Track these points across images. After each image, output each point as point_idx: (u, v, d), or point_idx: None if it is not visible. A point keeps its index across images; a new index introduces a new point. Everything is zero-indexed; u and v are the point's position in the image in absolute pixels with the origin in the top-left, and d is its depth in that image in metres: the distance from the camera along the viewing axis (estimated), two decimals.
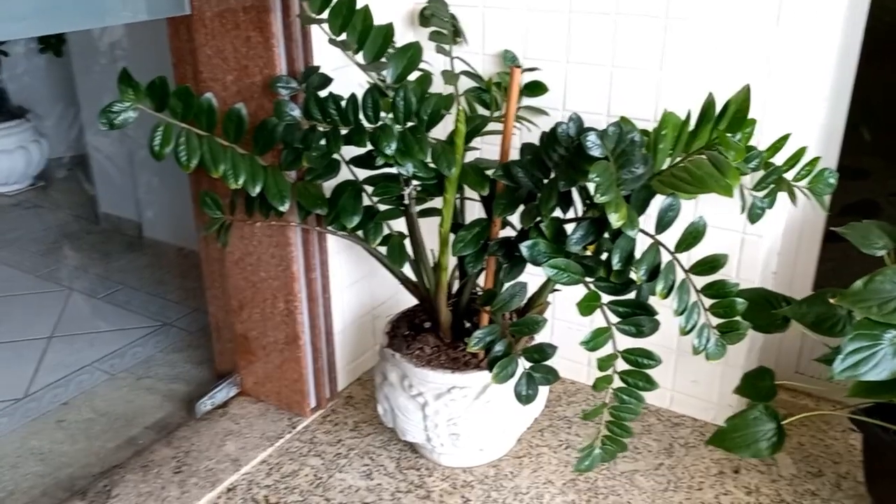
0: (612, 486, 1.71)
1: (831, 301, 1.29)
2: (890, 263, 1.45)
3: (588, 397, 2.02)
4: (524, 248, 1.36)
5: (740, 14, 1.58)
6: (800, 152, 1.46)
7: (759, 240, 1.72)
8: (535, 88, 1.85)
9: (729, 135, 1.11)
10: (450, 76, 1.79)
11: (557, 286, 1.65)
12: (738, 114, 1.10)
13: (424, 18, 1.90)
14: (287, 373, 1.93)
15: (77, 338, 2.36)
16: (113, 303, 2.57)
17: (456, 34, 1.89)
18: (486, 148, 1.85)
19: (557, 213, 1.40)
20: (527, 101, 1.86)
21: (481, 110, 1.80)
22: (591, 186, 1.16)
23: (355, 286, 2.02)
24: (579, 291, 1.36)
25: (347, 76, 1.64)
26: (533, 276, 1.51)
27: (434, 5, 1.89)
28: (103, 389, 2.09)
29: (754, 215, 1.39)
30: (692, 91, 1.68)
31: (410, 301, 2.26)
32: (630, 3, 1.69)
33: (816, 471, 1.75)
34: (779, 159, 1.46)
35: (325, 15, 1.48)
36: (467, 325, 1.68)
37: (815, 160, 1.45)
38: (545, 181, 1.37)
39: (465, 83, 1.85)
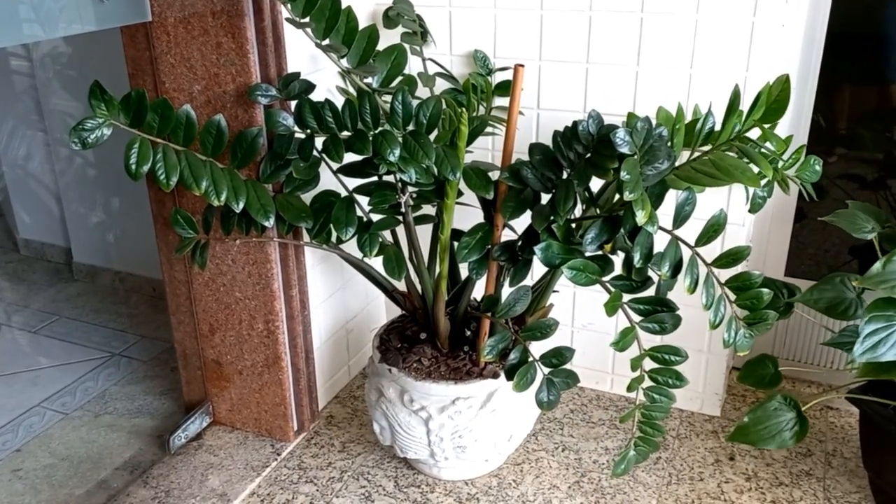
0: (616, 484, 1.70)
1: (854, 283, 1.31)
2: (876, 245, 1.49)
3: (574, 396, 2.01)
4: (538, 250, 1.33)
5: (717, 6, 1.60)
6: (787, 140, 1.49)
7: (741, 228, 1.75)
8: (509, 88, 1.81)
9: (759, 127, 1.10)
10: (427, 78, 1.74)
11: (556, 288, 1.63)
12: (774, 104, 1.10)
13: (389, 19, 1.83)
14: (267, 397, 1.82)
15: (17, 377, 2.17)
16: (51, 335, 2.37)
17: (423, 35, 1.84)
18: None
19: None
20: (499, 101, 1.83)
21: None
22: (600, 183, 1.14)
23: (330, 300, 1.94)
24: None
25: (317, 82, 1.56)
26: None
27: (400, 6, 1.83)
28: (59, 431, 1.92)
29: (755, 205, 1.40)
30: (670, 85, 1.69)
31: (380, 312, 2.21)
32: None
33: (805, 451, 1.80)
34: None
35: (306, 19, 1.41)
36: (468, 333, 1.63)
37: (802, 148, 1.48)
38: (557, 181, 1.34)
39: (440, 85, 1.80)
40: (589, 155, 1.28)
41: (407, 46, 1.63)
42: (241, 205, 1.45)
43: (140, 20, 1.53)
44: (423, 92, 1.72)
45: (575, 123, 1.28)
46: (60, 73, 2.46)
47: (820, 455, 1.78)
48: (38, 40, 2.29)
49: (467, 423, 1.56)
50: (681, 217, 1.28)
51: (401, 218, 1.53)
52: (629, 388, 1.28)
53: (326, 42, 1.43)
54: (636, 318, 1.32)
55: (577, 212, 1.42)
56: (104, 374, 2.17)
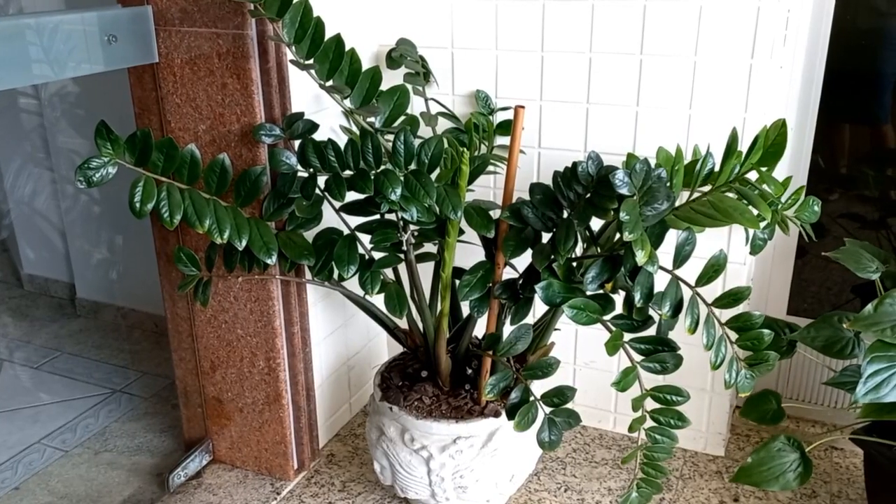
0: None
1: (845, 326, 1.31)
2: (879, 285, 1.49)
3: (576, 435, 1.99)
4: (539, 289, 1.33)
5: (716, 48, 1.62)
6: (786, 181, 1.50)
7: (742, 268, 1.75)
8: (510, 127, 1.83)
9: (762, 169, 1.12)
10: (430, 118, 1.76)
11: (558, 326, 1.63)
12: (772, 148, 1.11)
13: (392, 60, 1.86)
14: (267, 435, 1.82)
15: (17, 413, 2.16)
16: (52, 372, 2.37)
17: (426, 75, 1.87)
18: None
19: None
20: (501, 140, 1.85)
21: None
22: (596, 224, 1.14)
23: (331, 337, 1.94)
24: None
25: (321, 121, 1.58)
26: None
27: (403, 47, 1.86)
28: (58, 468, 1.91)
29: (756, 246, 1.40)
30: (669, 125, 1.71)
31: (381, 349, 2.20)
32: (604, 42, 1.71)
33: (810, 492, 1.78)
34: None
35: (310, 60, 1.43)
36: (469, 371, 1.62)
37: (801, 189, 1.49)
38: (558, 221, 1.35)
39: (442, 125, 1.82)
40: (589, 195, 1.29)
41: (409, 87, 1.66)
42: (244, 242, 1.46)
43: (147, 61, 1.56)
44: (425, 131, 1.74)
45: (575, 164, 1.30)
46: (68, 112, 2.49)
47: (825, 496, 1.76)
48: (48, 81, 2.33)
49: (468, 463, 1.55)
50: (681, 257, 1.29)
51: (402, 256, 1.53)
52: (631, 429, 1.27)
53: (330, 83, 1.46)
54: (637, 357, 1.31)
55: (578, 251, 1.42)
56: (105, 410, 2.16)
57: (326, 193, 1.46)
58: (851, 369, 1.42)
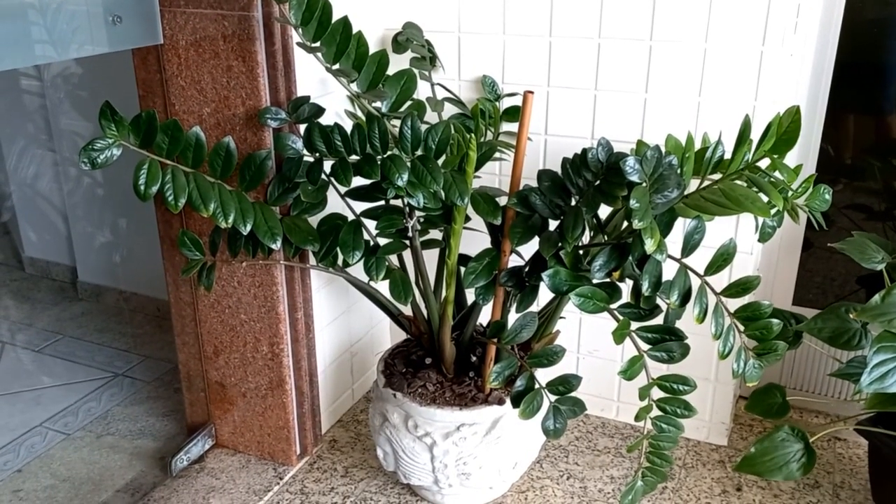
0: None
1: (852, 316, 1.30)
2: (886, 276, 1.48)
3: (579, 424, 1.99)
4: (546, 277, 1.32)
5: (726, 34, 1.60)
6: (797, 170, 1.48)
7: (749, 257, 1.74)
8: (517, 113, 1.82)
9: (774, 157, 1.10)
10: (436, 103, 1.74)
11: (562, 314, 1.62)
12: (785, 135, 1.10)
13: (398, 45, 1.84)
14: (270, 420, 1.81)
15: (19, 396, 2.16)
16: (54, 355, 2.37)
17: (432, 60, 1.85)
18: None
19: None
20: (507, 127, 1.84)
21: None
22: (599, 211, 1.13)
23: (335, 323, 1.93)
24: None
25: (327, 105, 1.56)
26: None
27: (409, 31, 1.84)
28: (60, 451, 1.90)
29: (765, 234, 1.39)
30: (678, 113, 1.69)
31: (384, 336, 2.20)
32: (614, 27, 1.70)
33: (813, 482, 1.78)
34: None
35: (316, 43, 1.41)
36: (473, 359, 1.62)
37: (812, 177, 1.48)
38: (566, 208, 1.34)
39: (448, 110, 1.81)
40: (598, 182, 1.28)
41: (416, 71, 1.64)
42: (249, 227, 1.45)
43: (152, 43, 1.55)
44: (431, 117, 1.73)
45: (584, 151, 1.28)
46: (71, 94, 2.47)
47: (828, 487, 1.76)
48: (51, 62, 2.31)
49: (472, 450, 1.55)
50: (690, 245, 1.28)
51: (408, 242, 1.52)
52: (637, 418, 1.26)
53: (337, 66, 1.44)
54: (644, 346, 1.31)
55: (585, 238, 1.41)
56: (107, 394, 2.16)
57: (332, 178, 1.45)
58: (858, 360, 1.42)
